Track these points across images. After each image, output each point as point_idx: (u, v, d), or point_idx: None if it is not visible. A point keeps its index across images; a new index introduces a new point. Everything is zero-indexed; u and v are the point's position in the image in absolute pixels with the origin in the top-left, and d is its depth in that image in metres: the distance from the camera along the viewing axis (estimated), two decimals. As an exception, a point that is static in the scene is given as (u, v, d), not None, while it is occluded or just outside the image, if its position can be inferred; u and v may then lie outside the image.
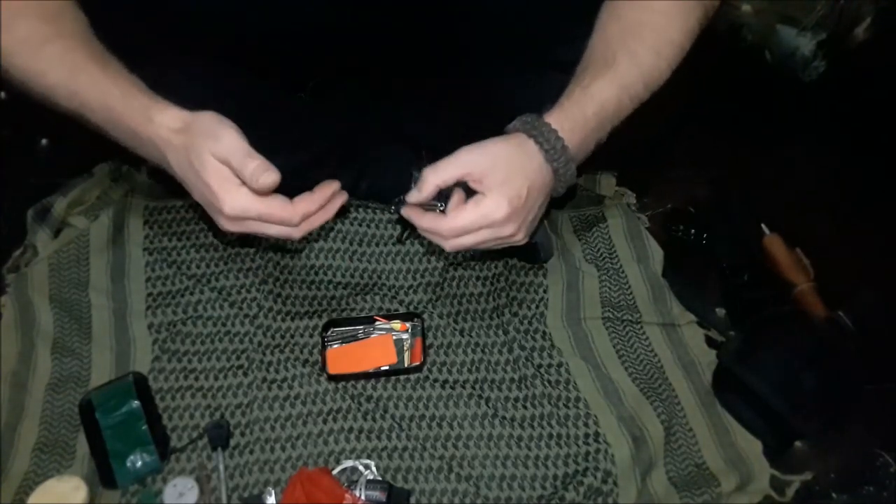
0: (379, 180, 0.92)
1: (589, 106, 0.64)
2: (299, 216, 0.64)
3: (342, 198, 0.69)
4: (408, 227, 0.91)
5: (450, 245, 0.65)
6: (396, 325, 0.86)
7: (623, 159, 1.01)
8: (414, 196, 0.65)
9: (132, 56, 0.64)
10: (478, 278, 0.90)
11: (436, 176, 0.63)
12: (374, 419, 0.79)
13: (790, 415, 0.76)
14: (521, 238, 0.65)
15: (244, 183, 0.60)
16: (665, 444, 0.78)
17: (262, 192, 0.61)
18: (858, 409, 0.80)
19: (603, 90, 0.64)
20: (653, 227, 0.97)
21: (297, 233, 0.65)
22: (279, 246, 0.92)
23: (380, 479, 0.74)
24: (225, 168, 0.60)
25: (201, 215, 0.93)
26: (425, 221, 0.66)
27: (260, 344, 0.84)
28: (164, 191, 0.98)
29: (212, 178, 0.60)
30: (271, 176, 0.59)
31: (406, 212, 0.67)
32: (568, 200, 0.99)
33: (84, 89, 0.60)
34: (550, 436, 0.78)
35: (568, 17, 0.69)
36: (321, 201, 0.66)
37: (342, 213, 0.94)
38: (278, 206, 0.62)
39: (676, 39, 0.66)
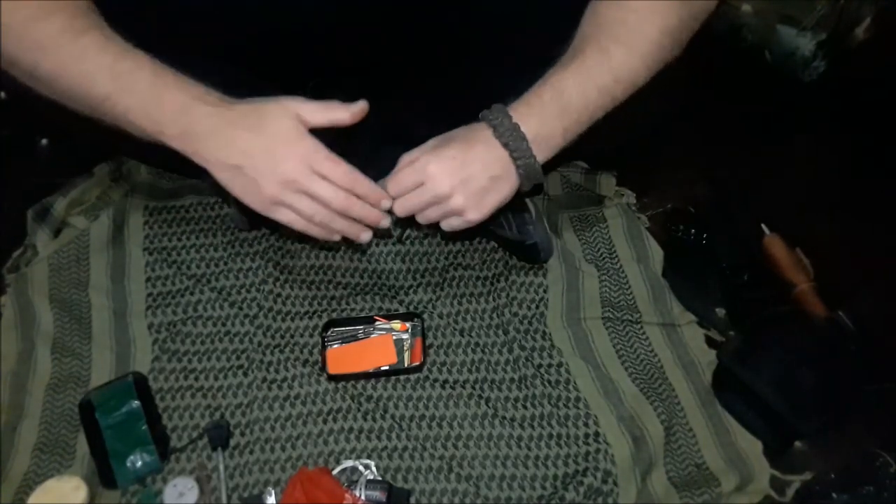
0: (379, 180, 0.92)
1: (546, 91, 0.66)
2: (362, 187, 0.68)
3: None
4: (408, 227, 0.91)
5: (397, 206, 0.71)
6: (396, 325, 0.86)
7: (623, 159, 1.01)
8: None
9: None
10: (478, 278, 0.90)
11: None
12: (374, 419, 0.79)
13: (790, 415, 0.76)
14: (461, 203, 0.67)
15: None
16: (665, 444, 0.78)
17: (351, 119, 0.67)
18: (858, 409, 0.80)
19: (562, 79, 0.66)
20: (653, 227, 0.97)
21: (340, 200, 0.67)
22: (279, 245, 0.92)
23: (380, 479, 0.74)
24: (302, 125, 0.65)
25: (218, 193, 0.93)
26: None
27: (260, 344, 0.84)
28: (164, 191, 0.98)
29: (291, 128, 0.64)
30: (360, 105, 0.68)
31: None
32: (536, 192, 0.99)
33: (130, 71, 0.61)
34: (550, 436, 0.78)
35: (567, 18, 0.69)
36: (378, 198, 0.70)
37: None
38: (347, 167, 0.67)
39: (653, 37, 0.66)
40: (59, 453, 0.76)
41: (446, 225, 0.71)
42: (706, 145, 1.07)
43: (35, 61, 0.61)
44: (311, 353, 0.84)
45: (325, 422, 0.79)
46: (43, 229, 0.92)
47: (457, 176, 0.67)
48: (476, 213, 0.69)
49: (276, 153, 0.64)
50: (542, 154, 0.67)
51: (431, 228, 0.81)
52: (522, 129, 0.66)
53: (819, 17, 1.08)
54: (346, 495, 0.71)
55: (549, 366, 0.83)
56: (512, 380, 0.82)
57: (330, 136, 0.88)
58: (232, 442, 0.77)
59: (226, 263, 0.91)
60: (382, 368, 0.82)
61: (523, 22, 0.73)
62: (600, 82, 0.66)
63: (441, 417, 0.79)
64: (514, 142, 0.66)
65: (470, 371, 0.83)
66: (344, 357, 0.83)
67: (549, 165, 0.70)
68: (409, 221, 0.73)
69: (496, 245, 0.92)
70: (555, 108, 0.66)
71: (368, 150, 0.91)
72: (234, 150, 0.64)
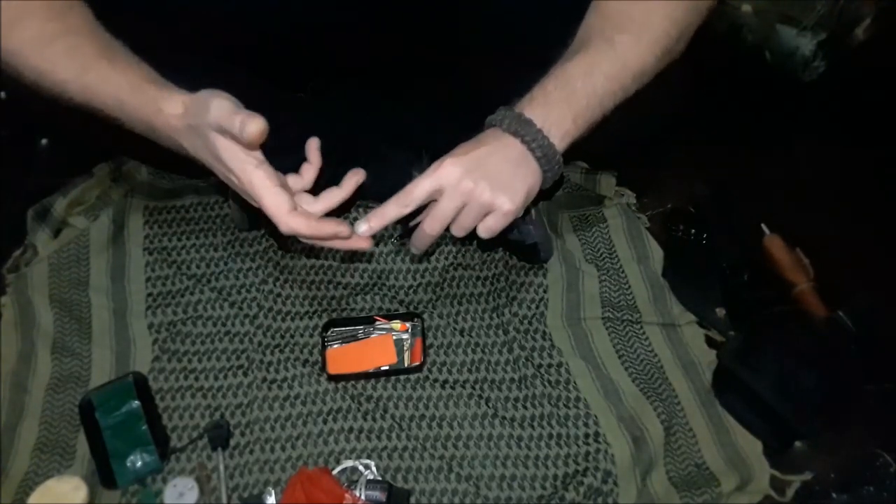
0: (379, 180, 0.91)
1: (549, 82, 0.65)
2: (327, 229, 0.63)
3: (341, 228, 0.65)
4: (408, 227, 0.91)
5: (427, 224, 0.66)
6: (396, 325, 0.86)
7: (623, 159, 1.01)
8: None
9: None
10: (478, 278, 0.90)
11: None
12: (374, 419, 0.79)
13: (790, 415, 0.76)
14: (484, 189, 0.63)
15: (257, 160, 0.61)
16: (665, 444, 0.78)
17: (252, 146, 0.59)
18: (858, 409, 0.80)
19: (567, 69, 0.65)
20: (653, 227, 0.97)
21: (285, 208, 0.61)
22: (279, 245, 0.92)
23: (380, 479, 0.74)
24: (234, 144, 0.59)
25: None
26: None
27: (260, 344, 0.84)
28: (164, 191, 0.98)
29: (224, 155, 0.60)
30: (255, 123, 0.56)
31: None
32: (555, 190, 0.98)
33: (95, 84, 0.61)
34: (550, 436, 0.78)
35: (568, 19, 0.69)
36: (323, 210, 0.66)
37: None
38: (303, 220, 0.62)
39: (660, 26, 0.66)
40: (59, 453, 0.76)
41: (484, 229, 0.66)
42: (706, 145, 1.07)
43: (17, 66, 0.61)
44: (311, 353, 0.84)
45: (325, 422, 0.79)
46: (43, 229, 0.92)
47: (471, 161, 0.63)
48: (508, 200, 0.63)
49: (233, 183, 0.63)
50: (554, 140, 0.65)
51: (472, 241, 0.75)
52: (528, 116, 0.64)
53: (819, 17, 1.08)
54: (346, 495, 0.71)
55: (549, 366, 0.83)
56: (512, 380, 0.82)
57: (330, 140, 0.88)
58: (232, 442, 0.77)
59: (226, 263, 0.91)
60: (382, 368, 0.82)
61: (523, 23, 0.73)
62: (606, 69, 0.65)
63: (441, 417, 0.79)
64: (521, 127, 0.64)
65: (470, 371, 0.83)
66: (344, 357, 0.83)
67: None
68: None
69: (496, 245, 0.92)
70: (560, 95, 0.64)
71: (368, 150, 0.91)
72: (209, 167, 0.63)
